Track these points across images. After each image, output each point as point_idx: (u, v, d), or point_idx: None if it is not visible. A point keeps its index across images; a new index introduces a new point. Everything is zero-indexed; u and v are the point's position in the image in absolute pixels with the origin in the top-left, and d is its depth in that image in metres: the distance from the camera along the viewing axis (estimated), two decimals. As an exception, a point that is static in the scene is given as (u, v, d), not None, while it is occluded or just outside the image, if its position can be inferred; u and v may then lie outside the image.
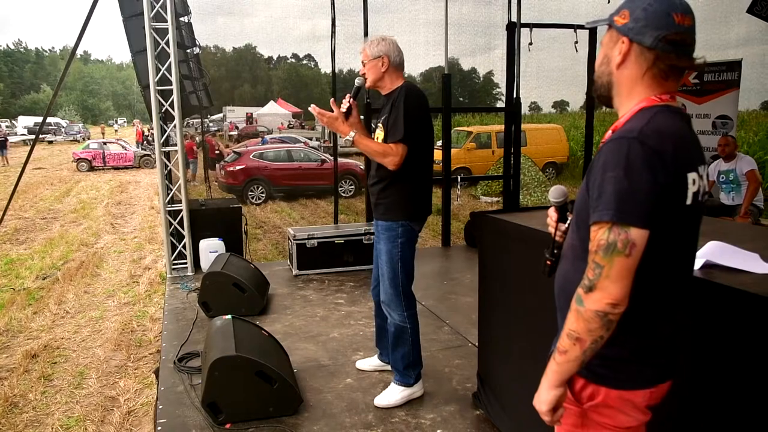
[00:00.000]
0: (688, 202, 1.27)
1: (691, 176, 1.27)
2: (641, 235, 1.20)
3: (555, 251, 1.54)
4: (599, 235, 1.24)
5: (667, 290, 1.34)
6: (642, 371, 1.34)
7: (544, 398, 1.35)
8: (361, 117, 3.55)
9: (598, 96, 1.44)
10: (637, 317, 1.30)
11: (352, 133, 2.83)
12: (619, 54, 1.35)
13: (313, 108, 2.94)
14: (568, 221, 1.50)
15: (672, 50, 1.29)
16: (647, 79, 1.33)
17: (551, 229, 1.59)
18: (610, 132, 1.35)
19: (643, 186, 1.20)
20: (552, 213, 1.60)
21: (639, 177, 1.20)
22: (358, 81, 2.94)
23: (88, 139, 32.24)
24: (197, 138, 16.51)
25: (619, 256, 1.21)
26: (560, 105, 35.70)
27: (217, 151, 16.38)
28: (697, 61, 1.33)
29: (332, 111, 2.87)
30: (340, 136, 2.95)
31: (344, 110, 2.87)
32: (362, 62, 2.96)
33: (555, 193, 1.56)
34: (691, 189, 1.27)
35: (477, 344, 3.17)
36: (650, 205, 1.21)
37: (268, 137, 23.50)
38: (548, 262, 1.55)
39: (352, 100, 2.90)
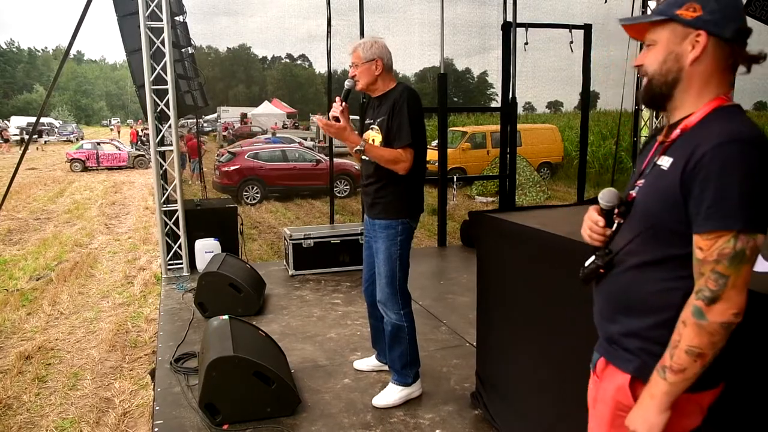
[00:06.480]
0: None
1: None
2: (762, 241, 1.18)
3: (607, 258, 1.41)
4: (720, 243, 1.17)
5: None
6: (711, 372, 1.28)
7: (654, 422, 1.27)
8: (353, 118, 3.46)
9: (653, 95, 1.34)
10: None
11: (362, 143, 2.81)
12: (694, 49, 1.27)
13: (318, 119, 2.89)
14: (615, 225, 1.42)
15: (744, 42, 1.25)
16: (720, 74, 1.28)
17: (593, 234, 1.46)
18: (678, 131, 1.28)
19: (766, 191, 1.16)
20: (595, 216, 1.46)
21: (764, 182, 1.16)
22: (348, 83, 2.92)
23: (82, 139, 32.10)
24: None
25: (746, 265, 1.18)
26: (554, 105, 35.73)
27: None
28: (761, 52, 1.28)
29: (335, 115, 2.84)
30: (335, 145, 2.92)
31: (336, 114, 2.84)
32: (353, 64, 2.93)
33: (608, 196, 1.43)
34: None
35: (475, 344, 3.17)
36: None
37: (263, 137, 23.39)
38: (601, 270, 1.43)
39: (344, 103, 2.87)
